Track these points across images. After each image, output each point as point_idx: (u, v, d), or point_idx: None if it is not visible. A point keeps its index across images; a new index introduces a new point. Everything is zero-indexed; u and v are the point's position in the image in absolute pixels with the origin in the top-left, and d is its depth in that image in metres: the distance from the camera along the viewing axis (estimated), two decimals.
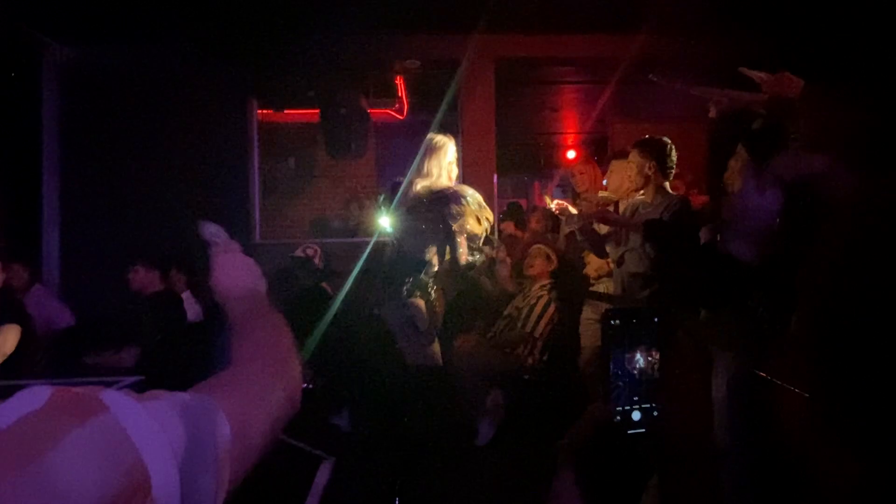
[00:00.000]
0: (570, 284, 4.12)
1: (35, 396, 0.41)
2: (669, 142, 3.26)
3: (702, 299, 2.42)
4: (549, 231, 4.97)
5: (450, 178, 3.28)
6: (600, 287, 3.80)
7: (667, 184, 3.25)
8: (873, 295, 1.28)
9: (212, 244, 0.98)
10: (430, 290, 3.32)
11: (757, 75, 1.98)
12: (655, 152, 3.21)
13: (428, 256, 3.25)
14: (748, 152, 2.39)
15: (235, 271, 0.94)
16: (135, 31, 4.89)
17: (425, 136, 3.32)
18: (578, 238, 3.73)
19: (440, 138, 3.32)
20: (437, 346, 3.42)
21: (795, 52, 4.18)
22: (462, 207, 3.20)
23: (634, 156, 3.26)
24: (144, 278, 4.12)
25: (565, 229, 3.99)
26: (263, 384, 0.67)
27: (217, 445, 0.52)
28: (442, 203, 3.21)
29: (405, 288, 3.24)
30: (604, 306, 3.74)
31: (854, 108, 1.55)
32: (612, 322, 0.78)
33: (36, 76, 4.97)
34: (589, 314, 3.84)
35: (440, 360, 3.42)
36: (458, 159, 3.43)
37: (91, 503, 0.38)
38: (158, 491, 0.43)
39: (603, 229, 3.55)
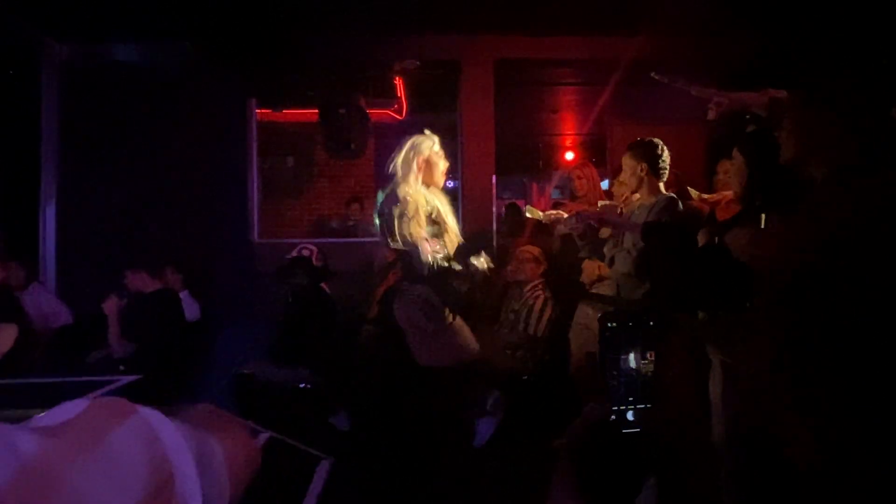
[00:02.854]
0: (563, 284, 4.12)
1: (74, 406, 0.45)
2: (660, 142, 3.26)
3: (700, 301, 2.42)
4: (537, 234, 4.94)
5: (417, 179, 2.91)
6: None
7: (661, 184, 3.27)
8: (864, 294, 1.29)
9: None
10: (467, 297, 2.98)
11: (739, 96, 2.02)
12: (647, 154, 3.23)
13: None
14: (742, 155, 2.40)
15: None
16: (134, 29, 4.90)
17: None
18: (579, 243, 3.73)
19: (415, 138, 2.99)
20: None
21: (794, 52, 4.19)
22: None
23: (627, 158, 3.28)
24: (143, 280, 4.12)
25: (561, 230, 3.99)
26: (233, 439, 0.65)
27: (220, 461, 0.54)
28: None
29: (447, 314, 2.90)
30: (599, 310, 3.74)
31: (844, 110, 1.57)
32: (609, 325, 0.79)
33: (35, 74, 4.97)
34: (579, 319, 3.84)
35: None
36: (436, 154, 3.00)
37: (141, 487, 0.42)
38: (181, 488, 0.46)
39: (605, 233, 3.55)
